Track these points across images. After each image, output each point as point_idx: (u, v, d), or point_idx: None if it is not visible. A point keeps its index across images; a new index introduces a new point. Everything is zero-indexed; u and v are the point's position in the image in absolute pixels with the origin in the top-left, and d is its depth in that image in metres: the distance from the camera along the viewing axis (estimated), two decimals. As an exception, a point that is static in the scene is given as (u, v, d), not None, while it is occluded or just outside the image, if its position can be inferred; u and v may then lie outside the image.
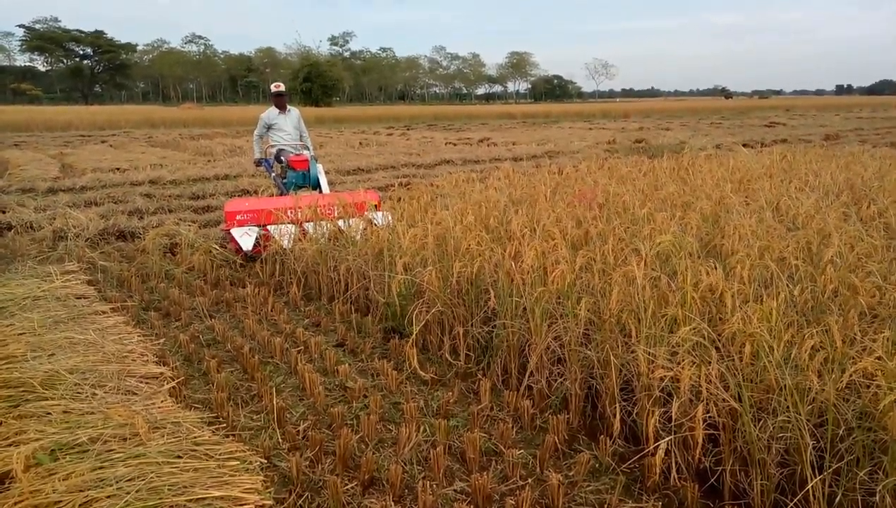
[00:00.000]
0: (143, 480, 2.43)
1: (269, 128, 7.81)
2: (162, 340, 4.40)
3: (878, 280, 3.18)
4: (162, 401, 3.32)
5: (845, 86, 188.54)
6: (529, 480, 2.78)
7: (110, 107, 57.16)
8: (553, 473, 2.73)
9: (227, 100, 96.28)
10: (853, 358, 2.47)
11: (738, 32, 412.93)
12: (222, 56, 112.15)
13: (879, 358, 2.35)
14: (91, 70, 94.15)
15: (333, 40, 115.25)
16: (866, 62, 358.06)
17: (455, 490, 2.73)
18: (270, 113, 7.79)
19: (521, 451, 2.99)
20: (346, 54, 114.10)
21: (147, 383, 3.57)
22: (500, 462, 2.91)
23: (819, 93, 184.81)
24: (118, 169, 13.03)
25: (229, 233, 6.27)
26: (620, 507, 2.59)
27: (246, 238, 6.12)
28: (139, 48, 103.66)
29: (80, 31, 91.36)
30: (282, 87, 7.91)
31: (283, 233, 5.92)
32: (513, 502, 2.59)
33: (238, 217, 6.25)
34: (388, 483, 2.73)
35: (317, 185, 7.44)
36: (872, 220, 4.69)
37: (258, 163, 8.01)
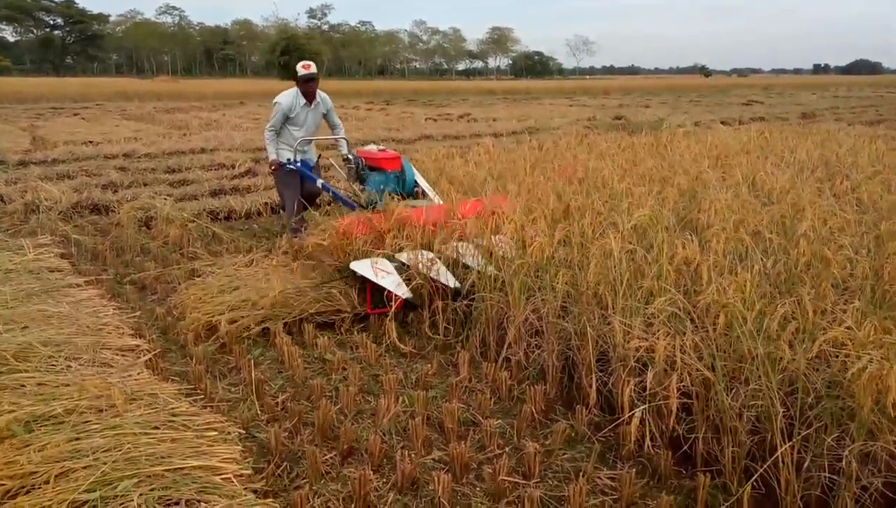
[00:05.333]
0: (120, 451, 2.41)
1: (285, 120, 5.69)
2: (138, 313, 4.35)
3: (849, 253, 3.23)
4: (138, 373, 3.29)
5: (822, 65, 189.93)
6: (507, 449, 2.82)
7: (82, 79, 55.71)
8: (530, 442, 2.77)
9: (203, 74, 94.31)
10: (824, 328, 2.53)
11: (719, 10, 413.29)
12: (198, 28, 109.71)
13: (849, 328, 2.40)
14: (62, 40, 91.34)
15: (311, 13, 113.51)
16: (843, 42, 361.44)
17: (433, 459, 2.76)
18: (294, 102, 5.61)
19: (499, 421, 3.02)
20: (325, 27, 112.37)
21: (123, 355, 3.54)
22: (478, 432, 2.94)
23: (797, 71, 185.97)
24: (91, 142, 12.75)
25: (357, 277, 4.15)
26: (596, 474, 2.64)
27: (389, 279, 4.01)
28: (112, 19, 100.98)
29: (51, 0, 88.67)
30: (313, 69, 5.61)
31: (466, 254, 4.06)
32: (490, 470, 2.62)
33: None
34: (366, 452, 2.76)
35: (410, 193, 5.41)
36: (845, 195, 4.76)
37: (278, 166, 5.57)
